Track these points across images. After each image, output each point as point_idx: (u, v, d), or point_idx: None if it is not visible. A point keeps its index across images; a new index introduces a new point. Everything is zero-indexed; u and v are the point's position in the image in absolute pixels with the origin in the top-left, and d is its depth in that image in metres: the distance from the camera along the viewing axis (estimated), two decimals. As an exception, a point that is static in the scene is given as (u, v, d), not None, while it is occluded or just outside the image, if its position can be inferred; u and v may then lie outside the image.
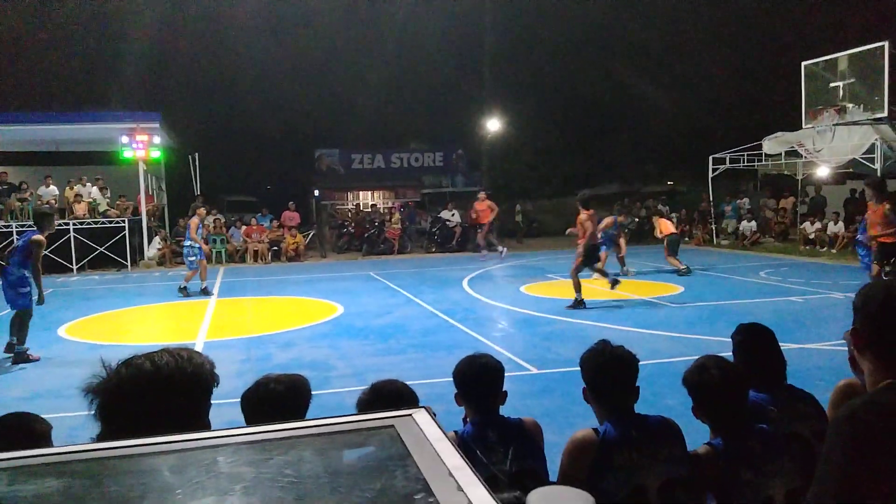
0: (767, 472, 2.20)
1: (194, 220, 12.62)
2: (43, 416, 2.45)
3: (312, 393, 2.49)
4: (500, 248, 17.70)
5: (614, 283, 10.84)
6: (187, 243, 12.64)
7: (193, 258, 12.38)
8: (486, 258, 17.51)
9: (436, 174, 28.61)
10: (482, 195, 19.23)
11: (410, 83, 35.61)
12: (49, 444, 2.28)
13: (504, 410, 2.68)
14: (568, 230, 11.46)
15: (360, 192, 28.99)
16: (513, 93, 31.73)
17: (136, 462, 1.00)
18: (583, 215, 10.41)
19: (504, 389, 2.67)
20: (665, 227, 14.92)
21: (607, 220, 13.97)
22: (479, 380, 2.62)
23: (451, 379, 2.72)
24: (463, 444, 2.41)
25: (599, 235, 13.46)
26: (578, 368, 2.54)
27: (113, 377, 1.34)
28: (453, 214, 21.89)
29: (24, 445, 1.18)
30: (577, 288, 10.18)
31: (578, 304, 10.09)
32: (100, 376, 1.35)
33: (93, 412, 1.34)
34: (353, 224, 22.40)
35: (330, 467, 1.05)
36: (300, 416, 2.29)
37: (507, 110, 29.29)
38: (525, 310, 10.30)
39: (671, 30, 33.53)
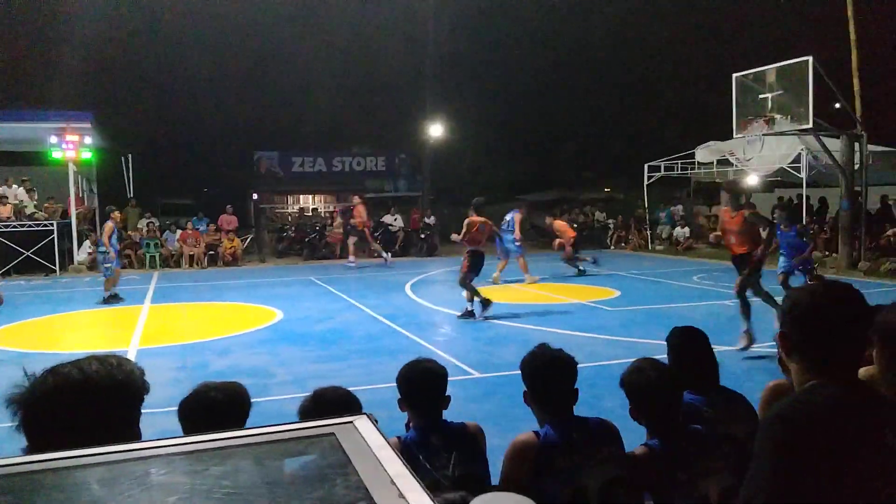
0: (702, 471, 2.27)
1: (108, 225, 12.08)
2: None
3: (252, 401, 2.44)
4: (384, 255, 17.72)
5: (485, 304, 9.89)
6: (101, 249, 12.12)
7: (109, 265, 11.91)
8: (356, 265, 17.34)
9: (378, 178, 28.49)
10: (357, 199, 18.64)
11: (353, 86, 35.39)
12: None
13: (447, 415, 2.68)
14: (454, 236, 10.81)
15: (301, 196, 28.61)
16: (455, 98, 31.91)
17: (63, 476, 0.96)
18: (469, 219, 10.23)
19: (447, 394, 2.68)
20: (567, 231, 15.31)
21: (516, 216, 14.20)
22: (422, 385, 2.62)
23: (395, 384, 2.71)
24: (406, 449, 2.40)
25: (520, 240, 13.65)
26: (519, 372, 2.57)
27: (38, 386, 1.28)
28: (396, 219, 21.86)
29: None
30: (473, 292, 9.90)
31: (486, 303, 9.82)
32: (23, 386, 1.29)
33: (16, 424, 1.28)
34: (293, 228, 22.10)
35: (268, 477, 1.03)
36: (240, 425, 2.23)
37: (450, 116, 29.42)
38: (467, 314, 10.35)
39: (610, 39, 34.35)
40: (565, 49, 34.21)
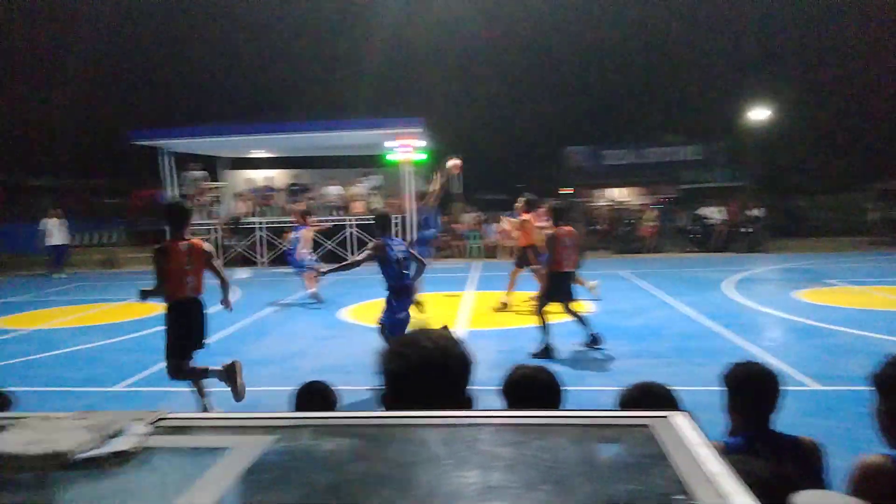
0: None
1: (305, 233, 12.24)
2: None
3: (563, 388, 2.53)
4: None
5: (593, 340, 7.77)
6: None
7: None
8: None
9: (694, 168, 27.00)
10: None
11: (664, 73, 34.02)
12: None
13: (779, 427, 2.48)
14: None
15: (612, 189, 28.46)
16: (781, 79, 28.74)
17: (412, 432, 1.12)
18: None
19: (779, 402, 2.48)
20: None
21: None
22: (753, 389, 2.45)
23: (713, 388, 2.58)
24: (727, 454, 2.28)
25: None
26: (868, 387, 2.24)
27: (404, 356, 1.47)
28: (720, 211, 20.50)
29: (321, 408, 1.38)
30: (542, 326, 7.67)
31: (545, 351, 7.51)
32: (389, 355, 1.50)
33: (380, 387, 1.50)
34: (604, 222, 22.11)
35: (585, 458, 1.07)
36: (554, 406, 2.35)
37: (775, 98, 26.56)
38: (801, 318, 9.27)
39: None
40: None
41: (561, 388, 2.47)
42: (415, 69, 34.03)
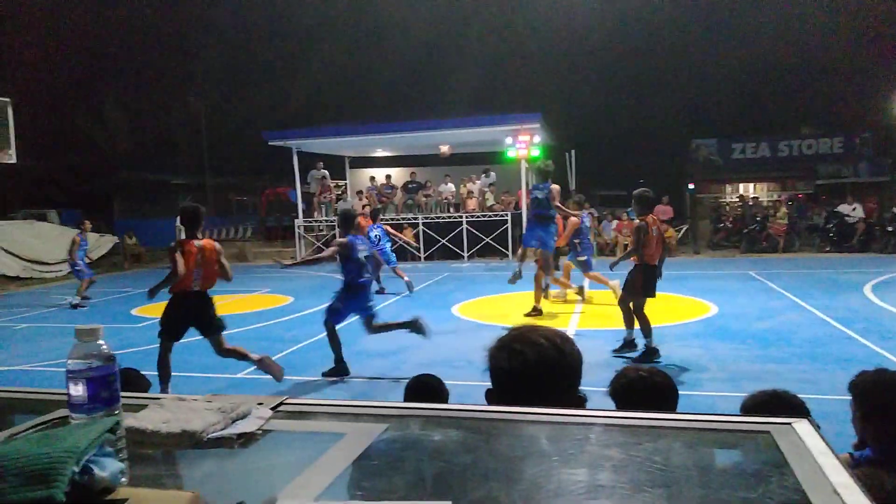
0: None
1: (74, 239, 12.59)
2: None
3: (682, 393, 2.44)
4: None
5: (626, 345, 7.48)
6: (71, 262, 12.77)
7: (80, 269, 12.68)
8: None
9: (833, 162, 25.10)
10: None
11: (801, 58, 31.83)
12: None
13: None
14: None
15: (741, 184, 27.02)
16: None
17: (520, 427, 1.13)
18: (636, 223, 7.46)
19: None
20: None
21: (573, 220, 10.49)
22: (887, 398, 2.27)
23: (844, 397, 2.41)
24: (857, 467, 2.12)
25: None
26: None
27: (516, 352, 1.47)
28: (854, 209, 19.02)
29: (430, 400, 1.41)
30: (645, 325, 7.30)
31: (650, 353, 7.18)
32: (502, 352, 1.50)
33: (491, 381, 1.51)
34: (730, 218, 21.04)
35: (699, 462, 1.04)
36: (668, 409, 2.27)
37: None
38: (950, 325, 8.46)
39: None
40: None
41: (677, 392, 2.39)
42: (530, 61, 33.80)
